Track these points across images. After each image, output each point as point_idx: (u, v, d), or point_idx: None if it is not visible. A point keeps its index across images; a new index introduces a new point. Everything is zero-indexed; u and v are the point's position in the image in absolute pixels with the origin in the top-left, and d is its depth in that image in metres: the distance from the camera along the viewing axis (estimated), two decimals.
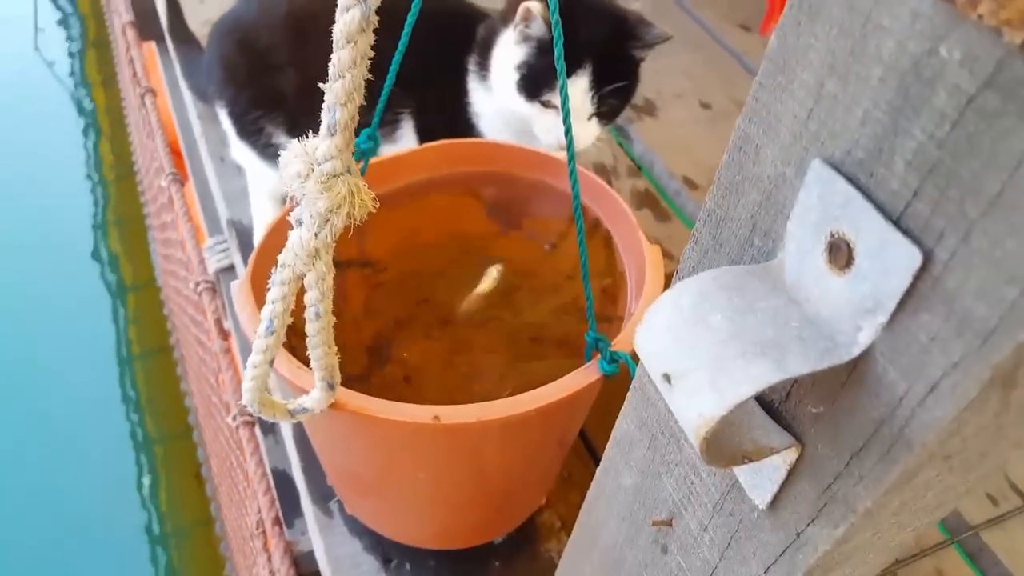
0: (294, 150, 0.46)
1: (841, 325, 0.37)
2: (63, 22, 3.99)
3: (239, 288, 0.77)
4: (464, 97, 1.23)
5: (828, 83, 0.36)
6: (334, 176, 0.46)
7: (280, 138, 1.29)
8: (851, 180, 0.35)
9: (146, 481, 2.48)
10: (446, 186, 1.02)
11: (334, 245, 0.50)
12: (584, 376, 0.75)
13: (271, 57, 1.25)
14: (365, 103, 0.45)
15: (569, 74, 1.09)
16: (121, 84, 2.52)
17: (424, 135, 1.26)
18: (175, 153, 1.80)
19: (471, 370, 0.94)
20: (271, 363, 0.59)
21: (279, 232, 0.83)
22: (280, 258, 0.52)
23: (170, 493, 2.47)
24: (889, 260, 0.34)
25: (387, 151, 1.25)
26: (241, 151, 1.35)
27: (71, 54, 3.81)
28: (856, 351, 0.37)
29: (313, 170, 0.46)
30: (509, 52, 1.14)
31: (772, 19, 1.88)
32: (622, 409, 0.61)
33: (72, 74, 3.72)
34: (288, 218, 0.49)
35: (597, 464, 1.15)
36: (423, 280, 1.03)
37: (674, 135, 1.66)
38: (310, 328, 0.56)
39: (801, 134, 0.38)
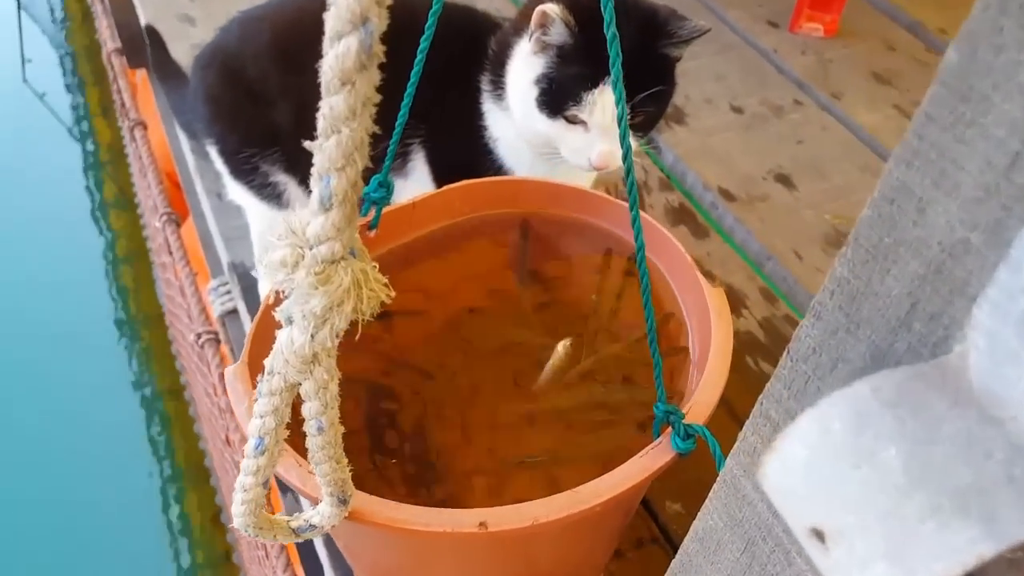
0: (277, 229, 0.34)
1: None
2: (58, 55, 3.90)
3: (234, 377, 0.64)
4: (478, 120, 1.10)
5: None
6: (332, 263, 0.34)
7: (278, 176, 1.17)
8: None
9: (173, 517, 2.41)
10: (471, 232, 0.90)
11: (337, 347, 0.38)
12: (655, 458, 0.63)
13: (260, 89, 1.13)
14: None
15: (594, 85, 0.96)
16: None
17: (438, 167, 1.13)
18: (175, 187, 1.69)
19: (513, 435, 0.83)
20: (265, 484, 0.47)
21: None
22: (268, 363, 0.40)
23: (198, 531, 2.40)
24: None
25: (398, 187, 1.12)
26: (237, 192, 1.23)
27: (68, 87, 3.71)
28: None
29: (304, 256, 0.34)
30: (526, 65, 1.00)
31: (801, 14, 1.76)
32: (706, 501, 0.50)
33: (74, 107, 3.63)
34: (274, 314, 0.37)
35: (648, 510, 1.05)
36: (454, 334, 0.92)
37: (706, 143, 1.54)
38: (312, 443, 0.45)
39: (998, 188, 0.26)
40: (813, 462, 0.28)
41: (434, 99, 1.03)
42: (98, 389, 2.64)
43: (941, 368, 0.29)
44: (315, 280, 0.33)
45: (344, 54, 0.27)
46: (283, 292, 0.35)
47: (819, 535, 0.28)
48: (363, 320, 0.36)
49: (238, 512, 0.48)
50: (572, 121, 0.99)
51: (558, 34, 0.96)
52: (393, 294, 0.36)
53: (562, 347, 0.79)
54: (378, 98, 0.29)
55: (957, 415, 0.27)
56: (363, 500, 0.56)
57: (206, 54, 1.19)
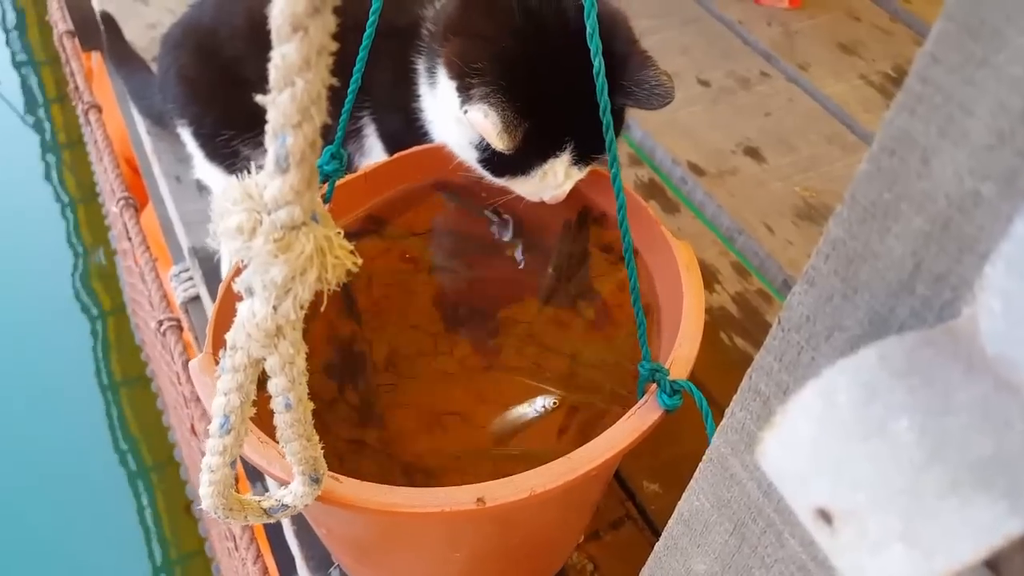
0: (231, 193, 0.32)
1: None
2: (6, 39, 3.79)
3: (199, 368, 0.62)
4: (414, 102, 0.95)
5: None
6: (292, 228, 0.31)
7: (261, 160, 1.11)
8: None
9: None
10: (429, 194, 0.88)
11: (302, 318, 0.36)
12: (643, 417, 0.64)
13: (239, 70, 1.06)
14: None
15: (543, 160, 0.84)
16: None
17: (390, 141, 1.03)
18: (135, 173, 1.64)
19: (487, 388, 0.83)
20: (232, 464, 0.45)
21: None
22: (229, 338, 0.38)
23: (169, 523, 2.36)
24: None
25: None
26: (211, 174, 1.18)
27: (22, 75, 3.61)
28: None
29: (262, 222, 0.31)
30: (458, 124, 0.86)
31: None
32: (692, 482, 0.48)
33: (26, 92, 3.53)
34: (234, 286, 0.35)
35: (625, 490, 1.03)
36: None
37: (674, 118, 1.52)
38: (280, 421, 0.42)
39: (1014, 133, 0.24)
40: (817, 437, 0.26)
41: (373, 67, 0.92)
42: (61, 380, 2.59)
43: (951, 333, 0.27)
44: (275, 248, 0.31)
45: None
46: (242, 262, 0.33)
47: (826, 516, 0.26)
48: (328, 290, 0.33)
49: (206, 494, 0.46)
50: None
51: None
52: (360, 261, 0.34)
53: (549, 403, 0.79)
54: (334, 46, 0.27)
55: (972, 383, 0.26)
56: (345, 483, 0.54)
57: (176, 33, 1.13)
